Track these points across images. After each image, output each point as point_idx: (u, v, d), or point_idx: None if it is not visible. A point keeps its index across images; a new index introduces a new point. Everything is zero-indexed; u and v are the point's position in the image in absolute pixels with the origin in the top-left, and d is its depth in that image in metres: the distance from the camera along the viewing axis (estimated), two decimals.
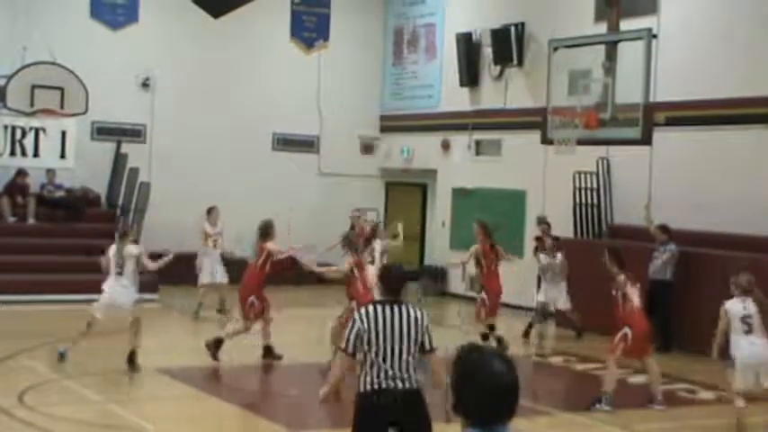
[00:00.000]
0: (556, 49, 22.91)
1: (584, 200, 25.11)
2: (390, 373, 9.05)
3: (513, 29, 27.89)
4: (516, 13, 28.09)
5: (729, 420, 15.61)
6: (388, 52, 33.31)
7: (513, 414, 4.68)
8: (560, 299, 23.03)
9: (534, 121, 24.41)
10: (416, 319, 9.26)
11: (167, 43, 30.56)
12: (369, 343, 9.06)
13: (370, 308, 9.28)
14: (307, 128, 32.32)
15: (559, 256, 23.03)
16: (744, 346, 14.25)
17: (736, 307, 14.56)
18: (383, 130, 33.38)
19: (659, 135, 22.04)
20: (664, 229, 22.32)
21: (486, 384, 4.68)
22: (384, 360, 9.08)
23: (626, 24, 22.72)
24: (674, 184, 23.50)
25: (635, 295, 16.24)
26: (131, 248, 17.22)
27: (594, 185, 25.00)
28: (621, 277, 16.23)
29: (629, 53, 21.35)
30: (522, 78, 28.04)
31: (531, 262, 24.78)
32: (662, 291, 21.53)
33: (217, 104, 30.91)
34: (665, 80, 22.57)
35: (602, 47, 22.19)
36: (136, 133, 30.11)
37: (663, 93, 22.44)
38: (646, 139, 21.50)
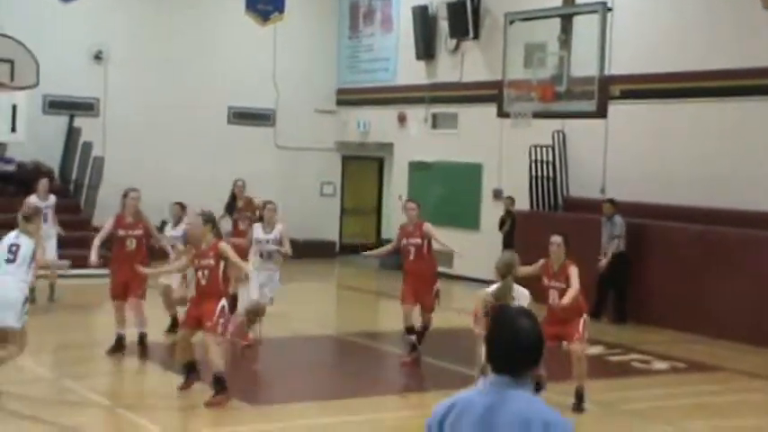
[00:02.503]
0: (512, 22, 23.07)
1: (540, 173, 25.14)
2: None
3: (468, 2, 27.80)
4: None
5: (681, 389, 16.03)
6: (343, 25, 33.31)
7: (537, 364, 5.12)
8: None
9: (490, 94, 24.55)
10: None
11: (121, 15, 30.39)
12: None
13: None
14: (263, 101, 32.29)
15: None
16: None
17: None
18: (339, 103, 33.41)
19: (614, 108, 22.30)
20: (611, 202, 22.56)
21: (511, 338, 5.12)
22: None
23: None
24: (629, 157, 23.71)
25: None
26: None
27: (550, 158, 25.07)
28: (574, 267, 14.48)
29: (585, 26, 21.53)
30: (477, 52, 28.08)
31: (491, 235, 25.13)
32: (617, 263, 21.81)
33: (171, 78, 30.84)
34: (620, 53, 22.69)
35: (558, 20, 22.32)
36: (89, 107, 30.00)
37: (617, 66, 22.54)
38: (601, 112, 21.72)
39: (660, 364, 17.93)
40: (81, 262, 21.10)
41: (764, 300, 19.39)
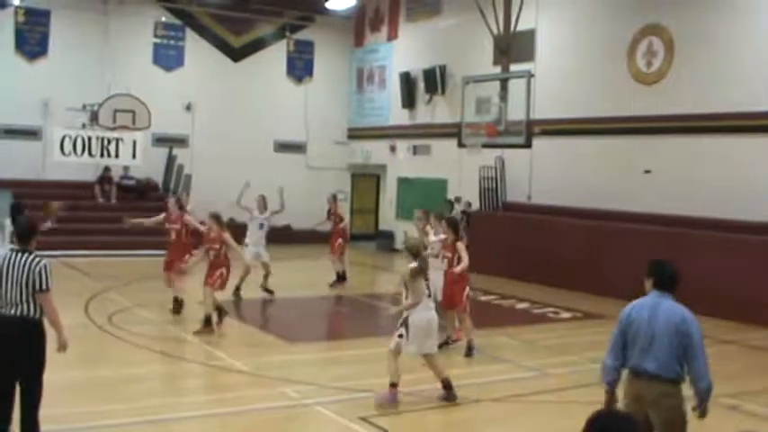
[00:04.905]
0: (467, 83, 23.11)
1: (486, 185, 25.10)
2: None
3: (438, 69, 27.93)
4: (440, 58, 28.05)
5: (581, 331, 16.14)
6: (353, 84, 33.18)
7: None
8: None
9: (453, 131, 24.60)
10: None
11: (203, 80, 30.41)
12: None
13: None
14: (298, 136, 32.18)
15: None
16: None
17: None
18: (350, 137, 33.23)
19: (536, 141, 22.43)
20: (450, 202, 23.26)
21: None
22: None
23: (514, 67, 23.08)
24: (547, 174, 23.86)
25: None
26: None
27: (493, 175, 25.05)
28: (460, 243, 13.51)
29: (516, 86, 21.60)
30: (444, 103, 27.99)
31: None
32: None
33: (236, 120, 30.82)
34: (540, 104, 22.78)
35: (498, 82, 22.55)
36: (182, 141, 30.02)
37: (539, 112, 22.60)
38: (527, 144, 21.84)
39: (565, 314, 17.96)
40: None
41: (641, 271, 19.58)
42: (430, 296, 10.38)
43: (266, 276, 18.52)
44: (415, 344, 10.15)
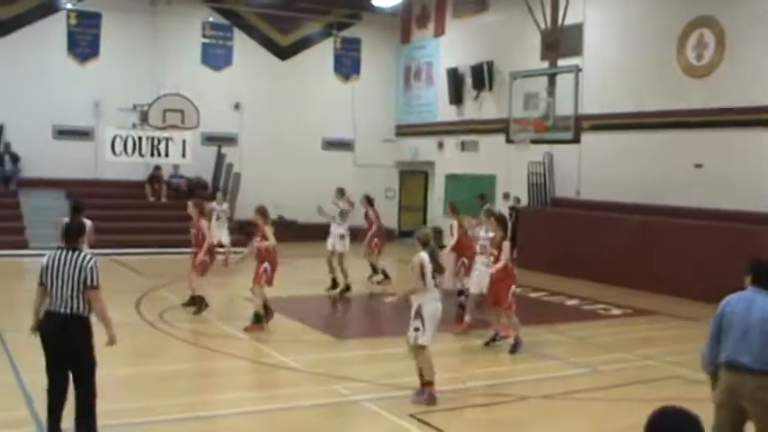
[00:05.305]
0: (515, 78, 23.06)
1: (535, 181, 25.05)
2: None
3: (485, 65, 27.91)
4: (488, 53, 27.98)
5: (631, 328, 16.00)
6: (400, 82, 33.20)
7: None
8: None
9: (501, 127, 24.51)
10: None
11: (251, 79, 30.64)
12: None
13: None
14: (345, 134, 32.29)
15: None
16: None
17: None
18: (397, 134, 33.27)
19: (585, 136, 22.32)
20: (482, 197, 22.96)
21: None
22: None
23: (562, 62, 22.90)
24: (596, 170, 23.69)
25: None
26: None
27: (542, 171, 24.99)
28: (506, 242, 13.44)
29: (564, 81, 21.52)
30: (491, 99, 27.91)
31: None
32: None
33: (284, 119, 30.98)
34: (588, 99, 22.61)
35: (546, 77, 22.43)
36: (231, 140, 30.25)
37: (587, 107, 22.47)
38: (576, 139, 21.76)
39: (616, 311, 17.79)
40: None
41: (693, 267, 19.43)
42: (437, 287, 10.21)
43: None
44: (428, 334, 10.07)
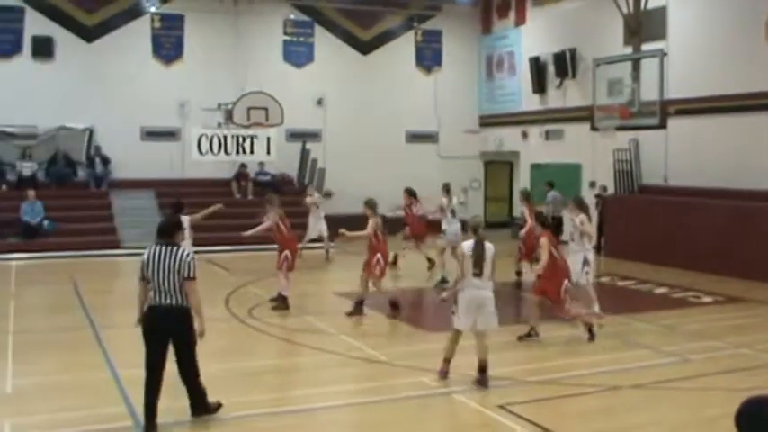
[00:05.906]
0: (598, 65, 23.04)
1: (621, 168, 24.86)
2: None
3: (568, 52, 27.80)
4: (570, 41, 27.87)
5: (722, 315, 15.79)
6: (482, 72, 33.14)
7: None
8: None
9: (585, 115, 24.55)
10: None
11: (333, 75, 30.91)
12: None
13: None
14: (429, 126, 32.32)
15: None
16: None
17: None
18: (481, 125, 33.20)
19: (671, 122, 22.14)
20: (549, 184, 24.10)
21: None
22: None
23: (645, 46, 22.77)
24: (683, 155, 23.37)
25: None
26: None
27: (628, 158, 24.74)
28: (544, 240, 13.14)
29: (649, 66, 21.41)
30: (575, 86, 27.80)
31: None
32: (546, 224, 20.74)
33: (367, 113, 31.21)
34: (674, 84, 22.38)
35: (630, 62, 22.29)
36: (315, 136, 30.51)
37: (672, 92, 22.26)
38: (662, 125, 21.61)
39: (706, 298, 17.57)
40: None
41: None
42: (478, 275, 10.49)
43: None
44: (464, 320, 10.48)
